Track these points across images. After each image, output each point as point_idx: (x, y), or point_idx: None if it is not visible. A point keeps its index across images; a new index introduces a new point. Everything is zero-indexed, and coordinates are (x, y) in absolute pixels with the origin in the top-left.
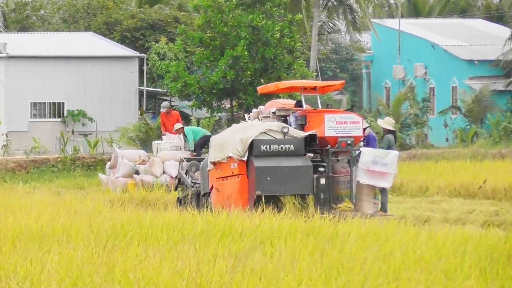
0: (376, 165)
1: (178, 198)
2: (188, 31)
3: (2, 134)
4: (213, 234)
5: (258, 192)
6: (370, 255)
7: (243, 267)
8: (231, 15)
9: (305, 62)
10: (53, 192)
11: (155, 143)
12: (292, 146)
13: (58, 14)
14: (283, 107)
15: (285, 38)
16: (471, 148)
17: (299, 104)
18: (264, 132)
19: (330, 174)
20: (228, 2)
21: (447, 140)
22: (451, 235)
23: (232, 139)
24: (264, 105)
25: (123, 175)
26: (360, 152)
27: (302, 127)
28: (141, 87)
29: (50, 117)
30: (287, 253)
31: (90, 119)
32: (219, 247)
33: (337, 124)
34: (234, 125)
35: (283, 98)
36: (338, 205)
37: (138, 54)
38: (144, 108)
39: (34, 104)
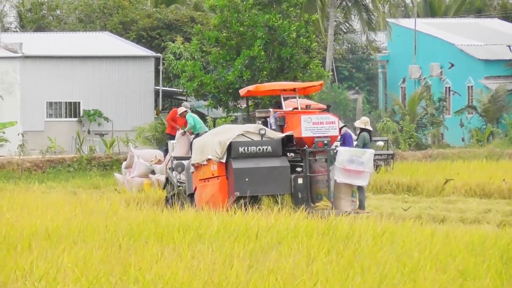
0: (352, 164)
1: (166, 197)
2: (204, 30)
3: (18, 134)
4: (229, 233)
5: (237, 193)
6: (386, 254)
7: (260, 267)
8: (247, 15)
9: (321, 62)
10: (69, 192)
11: (170, 142)
12: (269, 147)
13: (74, 14)
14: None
15: (301, 38)
16: (487, 148)
17: (278, 105)
18: (242, 134)
19: (308, 174)
20: (244, 2)
21: (463, 139)
22: (467, 235)
23: (212, 142)
24: None
25: (139, 174)
26: (336, 152)
27: (281, 128)
28: (157, 87)
29: (66, 117)
30: (303, 253)
31: (106, 119)
32: (235, 247)
33: (314, 125)
34: (216, 127)
35: (300, 98)
36: (316, 203)
37: (154, 53)
38: (160, 108)
39: (50, 104)
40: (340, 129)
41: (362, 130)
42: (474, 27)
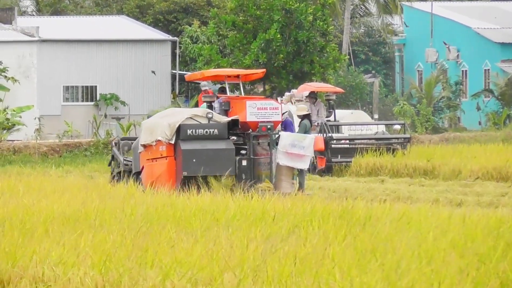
0: (294, 148)
1: (111, 173)
2: (220, 14)
3: (35, 118)
4: (245, 217)
5: (185, 173)
6: (403, 238)
7: (277, 251)
8: None
9: (337, 46)
10: (86, 176)
11: None
12: (216, 130)
13: None
14: (316, 90)
15: (318, 21)
16: (504, 131)
17: (222, 90)
18: (190, 117)
19: (251, 156)
20: None
21: (479, 123)
22: (484, 218)
23: (161, 124)
24: (296, 88)
25: None
26: (279, 136)
27: (226, 112)
28: (173, 71)
29: (82, 101)
30: (319, 237)
31: (123, 103)
32: (252, 231)
33: (258, 110)
34: (164, 110)
35: (316, 81)
36: (259, 184)
37: (170, 37)
38: (177, 91)
39: (66, 88)
40: (282, 115)
41: (304, 117)
42: (491, 10)
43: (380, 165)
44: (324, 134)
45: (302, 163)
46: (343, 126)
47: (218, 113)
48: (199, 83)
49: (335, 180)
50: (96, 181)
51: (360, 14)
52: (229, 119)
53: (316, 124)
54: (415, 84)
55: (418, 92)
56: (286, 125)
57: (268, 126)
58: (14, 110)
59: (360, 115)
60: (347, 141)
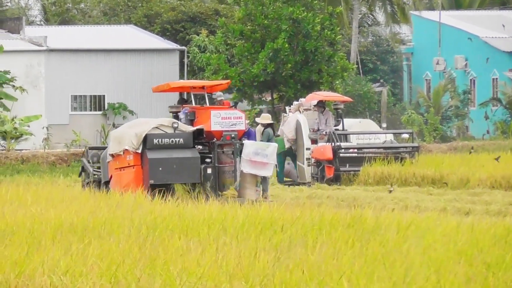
0: (257, 156)
1: (82, 183)
2: (228, 23)
3: (43, 127)
4: (254, 226)
5: (151, 181)
6: (411, 247)
7: (285, 260)
8: (271, 8)
9: (345, 55)
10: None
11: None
12: (181, 140)
13: (99, 7)
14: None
15: (326, 30)
16: None
17: (184, 101)
18: (156, 127)
19: (216, 165)
20: None
21: (487, 132)
22: (493, 227)
23: (128, 134)
24: (305, 97)
25: None
26: (243, 144)
27: (191, 122)
28: (181, 80)
29: (90, 110)
30: (328, 246)
31: (131, 112)
32: (261, 240)
33: (222, 120)
34: (131, 121)
35: (324, 90)
36: (224, 192)
37: (178, 46)
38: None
39: (74, 97)
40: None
41: (267, 126)
42: (499, 19)
43: (388, 174)
44: (333, 143)
45: (265, 171)
46: (351, 135)
47: (184, 123)
48: (209, 93)
49: (343, 189)
50: (104, 190)
51: (368, 23)
52: (194, 128)
53: (324, 133)
54: (423, 93)
55: (426, 101)
56: (250, 135)
57: (232, 135)
58: (22, 120)
59: (368, 124)
60: (356, 150)
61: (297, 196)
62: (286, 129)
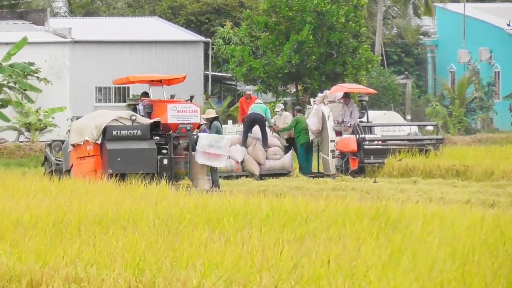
0: (211, 148)
1: (44, 173)
2: (253, 15)
3: (67, 119)
4: (278, 218)
5: (110, 171)
6: (435, 239)
7: (309, 252)
8: (296, 0)
9: (370, 47)
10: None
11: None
12: (139, 131)
13: None
14: (348, 91)
15: (350, 22)
16: None
17: (145, 94)
18: (115, 119)
19: (172, 156)
20: None
21: None
22: None
23: (89, 125)
24: (329, 89)
25: None
26: (198, 137)
27: (149, 114)
28: (206, 72)
29: (115, 102)
30: (352, 237)
31: None
32: (285, 232)
33: (178, 113)
34: (92, 112)
35: (348, 82)
36: (179, 182)
37: (203, 38)
38: (210, 93)
39: (99, 89)
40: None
41: (213, 119)
42: None
43: (413, 166)
44: (357, 135)
45: (218, 162)
46: (375, 127)
47: (142, 115)
48: (233, 85)
49: (367, 181)
50: (129, 181)
51: (392, 15)
52: (152, 121)
53: (349, 125)
54: (448, 85)
55: (450, 93)
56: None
57: (188, 128)
58: (46, 111)
59: (392, 116)
60: (380, 142)
61: (322, 188)
62: (311, 122)
